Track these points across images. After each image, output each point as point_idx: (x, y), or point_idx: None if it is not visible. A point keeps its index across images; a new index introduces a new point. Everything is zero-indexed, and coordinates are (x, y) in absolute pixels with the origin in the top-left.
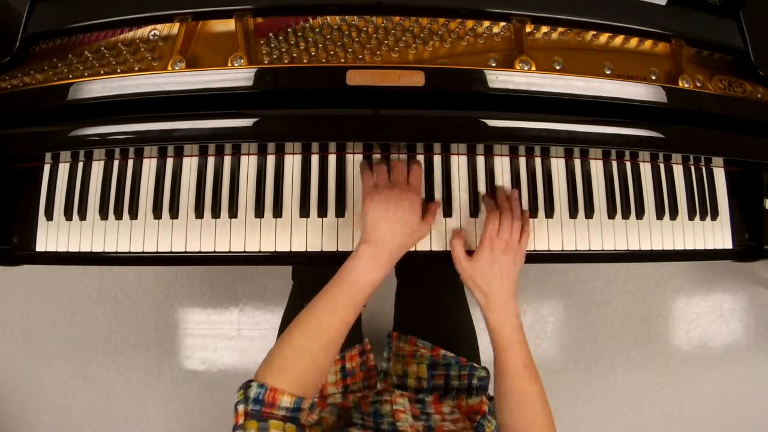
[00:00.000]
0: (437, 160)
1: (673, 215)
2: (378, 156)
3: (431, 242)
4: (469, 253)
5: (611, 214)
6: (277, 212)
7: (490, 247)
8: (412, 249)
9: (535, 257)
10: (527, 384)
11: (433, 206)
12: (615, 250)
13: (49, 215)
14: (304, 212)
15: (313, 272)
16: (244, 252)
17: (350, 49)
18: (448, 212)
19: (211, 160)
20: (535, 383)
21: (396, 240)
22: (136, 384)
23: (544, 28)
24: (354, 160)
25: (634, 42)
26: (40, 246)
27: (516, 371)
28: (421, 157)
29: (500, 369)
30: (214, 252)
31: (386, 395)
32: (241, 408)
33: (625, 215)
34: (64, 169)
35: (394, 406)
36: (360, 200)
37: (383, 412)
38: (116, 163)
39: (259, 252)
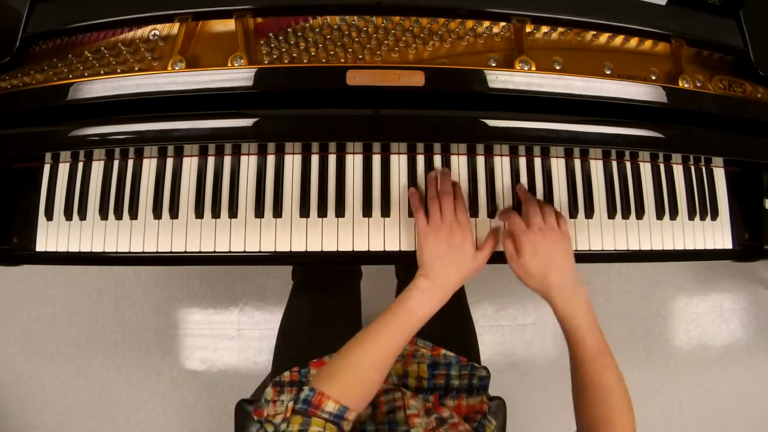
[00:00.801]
0: (437, 160)
1: (673, 215)
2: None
3: None
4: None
5: (611, 214)
6: (277, 212)
7: (527, 239)
8: (413, 249)
9: None
10: (606, 375)
11: (489, 240)
12: (615, 250)
13: (49, 215)
14: (304, 212)
15: (313, 272)
16: (244, 252)
17: (350, 49)
18: None
19: (211, 160)
20: (614, 374)
21: (449, 277)
22: (136, 384)
23: (544, 28)
24: (354, 160)
25: (634, 42)
26: (40, 246)
27: (592, 362)
28: (421, 158)
29: (574, 359)
30: (214, 252)
31: (398, 400)
32: (290, 405)
33: (625, 215)
34: (64, 169)
35: (407, 411)
36: (360, 200)
37: (398, 420)
38: (116, 163)
39: (259, 252)
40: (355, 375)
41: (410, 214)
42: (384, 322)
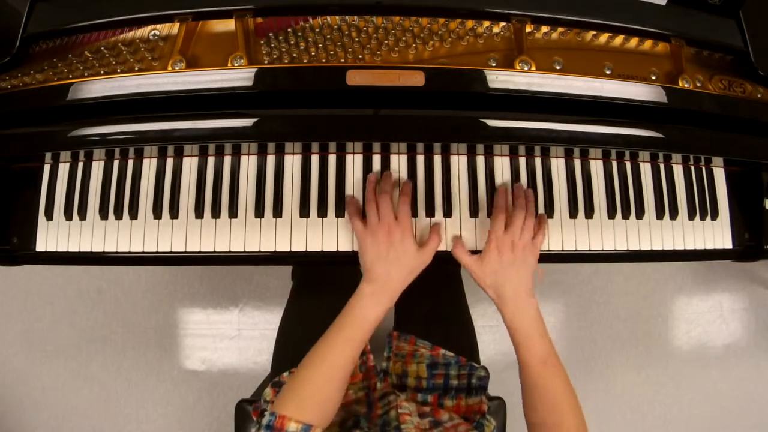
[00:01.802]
0: (437, 160)
1: (673, 215)
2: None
3: None
4: (475, 252)
5: (611, 214)
6: (277, 212)
7: (497, 247)
8: None
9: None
10: (550, 379)
11: (433, 236)
12: (615, 250)
13: (49, 215)
14: (304, 212)
15: (313, 272)
16: (244, 252)
17: (350, 49)
18: (447, 212)
19: (211, 160)
20: (558, 378)
21: (392, 278)
22: (136, 384)
23: (544, 28)
24: (354, 160)
25: (634, 42)
26: (40, 246)
27: (537, 367)
28: (421, 158)
29: (521, 365)
30: (214, 252)
31: (392, 401)
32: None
33: (625, 215)
34: (64, 169)
35: (399, 410)
36: (360, 200)
37: (389, 418)
38: (116, 163)
39: (259, 252)
40: (310, 391)
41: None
42: (333, 334)
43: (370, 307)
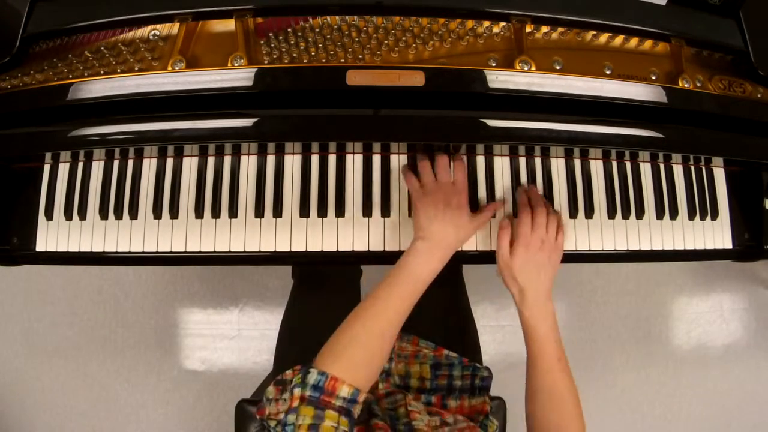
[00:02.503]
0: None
1: (673, 215)
2: (421, 155)
3: None
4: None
5: (611, 214)
6: (277, 212)
7: (526, 245)
8: None
9: None
10: (558, 382)
11: (488, 207)
12: (615, 250)
13: (49, 215)
14: (304, 212)
15: (313, 272)
16: (244, 252)
17: (350, 49)
18: None
19: (211, 160)
20: (566, 381)
21: (448, 238)
22: (136, 384)
23: (544, 28)
24: (354, 160)
25: (634, 42)
26: (40, 246)
27: (548, 370)
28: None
29: (533, 366)
30: (214, 252)
31: (399, 400)
32: (297, 391)
33: (625, 215)
34: (64, 169)
35: (408, 407)
36: (360, 200)
37: (399, 415)
38: (116, 163)
39: (259, 252)
40: (363, 349)
41: (410, 214)
42: (386, 289)
43: (424, 264)
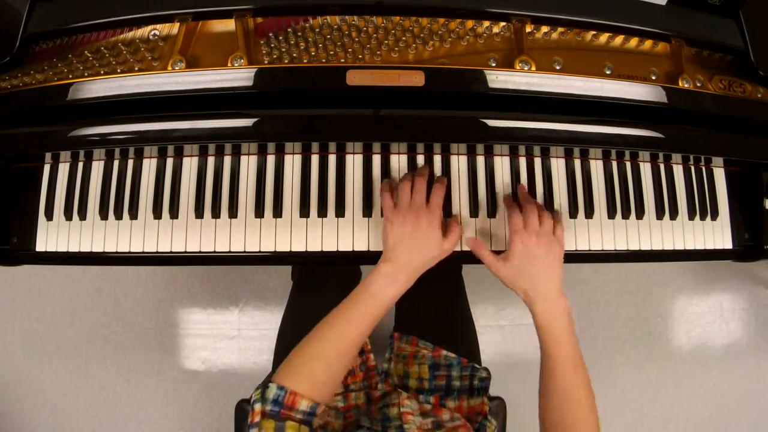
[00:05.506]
0: (437, 160)
1: (673, 215)
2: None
3: None
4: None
5: (611, 214)
6: (277, 212)
7: (521, 242)
8: None
9: None
10: (575, 382)
11: (454, 227)
12: (615, 250)
13: (49, 215)
14: (304, 212)
15: (313, 272)
16: (244, 252)
17: (350, 49)
18: (447, 212)
19: (211, 160)
20: (582, 381)
21: (413, 261)
22: (136, 384)
23: (544, 28)
24: (354, 160)
25: (634, 42)
26: (40, 246)
27: (564, 369)
28: (421, 158)
29: (547, 366)
30: (214, 252)
31: (394, 398)
32: (258, 407)
33: (625, 215)
34: (64, 169)
35: (401, 408)
36: (360, 200)
37: (391, 416)
38: (116, 163)
39: (259, 252)
40: (322, 366)
41: None
42: (348, 309)
43: (386, 287)
